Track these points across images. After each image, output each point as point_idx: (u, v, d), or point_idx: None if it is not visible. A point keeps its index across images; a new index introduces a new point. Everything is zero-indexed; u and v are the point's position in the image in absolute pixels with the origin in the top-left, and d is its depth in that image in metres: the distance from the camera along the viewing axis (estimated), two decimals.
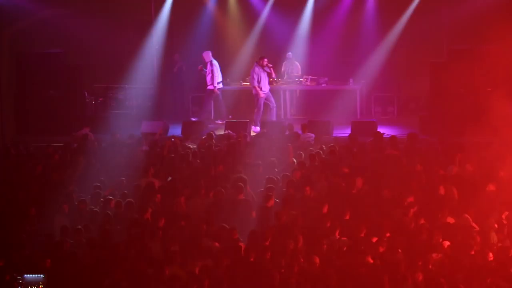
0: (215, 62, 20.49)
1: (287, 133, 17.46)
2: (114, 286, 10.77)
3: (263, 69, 19.69)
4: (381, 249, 11.41)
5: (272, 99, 19.95)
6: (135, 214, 12.83)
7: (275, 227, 12.19)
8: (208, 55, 20.53)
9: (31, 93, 20.33)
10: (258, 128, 19.34)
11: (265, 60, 19.75)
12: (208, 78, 20.46)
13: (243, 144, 16.44)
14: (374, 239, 11.69)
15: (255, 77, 19.67)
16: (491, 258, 11.18)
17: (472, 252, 11.32)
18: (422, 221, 12.21)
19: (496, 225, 12.33)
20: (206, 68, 20.48)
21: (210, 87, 20.47)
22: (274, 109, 19.97)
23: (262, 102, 19.76)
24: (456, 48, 19.61)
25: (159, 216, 12.53)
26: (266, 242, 11.61)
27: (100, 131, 19.07)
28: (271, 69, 19.83)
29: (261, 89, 19.66)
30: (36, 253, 11.61)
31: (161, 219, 12.47)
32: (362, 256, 11.11)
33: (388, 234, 11.76)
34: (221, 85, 20.66)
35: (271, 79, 20.11)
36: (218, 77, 20.54)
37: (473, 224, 12.39)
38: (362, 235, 11.83)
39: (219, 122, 20.37)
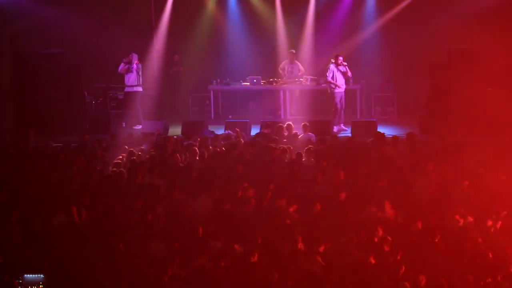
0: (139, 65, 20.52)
1: (286, 133, 17.46)
2: (114, 286, 10.78)
3: (337, 67, 19.47)
4: (386, 248, 11.40)
5: (343, 100, 19.60)
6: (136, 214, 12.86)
7: (270, 227, 12.24)
8: (135, 57, 20.40)
9: (31, 93, 20.32)
10: (336, 128, 19.28)
11: (340, 58, 19.44)
12: (132, 79, 20.31)
13: (243, 144, 16.43)
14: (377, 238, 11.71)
15: (329, 75, 19.45)
16: (491, 259, 11.18)
17: (472, 252, 11.32)
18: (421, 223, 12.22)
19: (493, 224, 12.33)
20: (132, 68, 20.30)
21: (138, 88, 20.36)
22: (342, 111, 19.66)
23: (338, 101, 19.50)
24: (456, 48, 19.63)
25: (160, 216, 12.55)
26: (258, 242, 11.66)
27: (100, 131, 19.11)
28: (346, 67, 19.46)
29: (336, 87, 19.45)
30: (36, 253, 11.61)
31: (162, 219, 12.48)
32: (365, 256, 11.12)
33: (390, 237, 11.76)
34: (140, 88, 20.62)
35: (347, 78, 19.64)
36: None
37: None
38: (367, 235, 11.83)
39: (139, 127, 20.15)
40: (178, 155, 15.48)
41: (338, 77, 19.45)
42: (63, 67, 20.45)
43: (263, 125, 18.41)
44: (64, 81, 20.37)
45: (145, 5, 21.58)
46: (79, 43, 21.20)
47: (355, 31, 21.65)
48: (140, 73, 20.40)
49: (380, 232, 11.89)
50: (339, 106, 19.50)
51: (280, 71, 21.60)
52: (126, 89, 20.50)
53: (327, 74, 19.48)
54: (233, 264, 11.08)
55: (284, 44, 21.87)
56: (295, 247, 11.53)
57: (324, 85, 20.11)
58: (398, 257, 11.12)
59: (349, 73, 19.56)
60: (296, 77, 21.42)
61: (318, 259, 11.10)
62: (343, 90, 19.57)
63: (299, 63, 21.52)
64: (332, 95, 19.53)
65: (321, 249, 11.51)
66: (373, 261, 11.08)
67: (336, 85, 19.42)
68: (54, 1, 20.98)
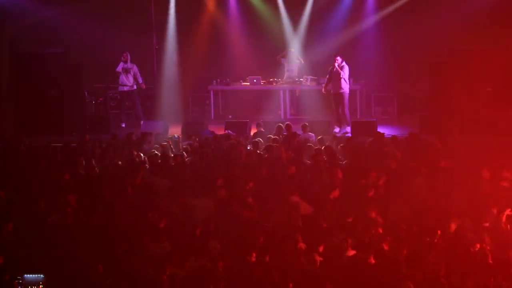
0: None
1: (285, 133, 17.44)
2: (114, 286, 10.78)
3: (333, 68, 19.17)
4: (386, 247, 11.39)
5: (339, 102, 19.24)
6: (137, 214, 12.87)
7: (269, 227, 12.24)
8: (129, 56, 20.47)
9: (31, 93, 20.30)
10: (338, 129, 19.22)
11: (336, 58, 19.08)
12: (130, 77, 20.39)
13: (243, 144, 16.43)
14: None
15: (327, 76, 19.39)
16: (491, 259, 11.18)
17: (473, 252, 11.32)
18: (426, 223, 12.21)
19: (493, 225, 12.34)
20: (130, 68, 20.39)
21: (134, 87, 20.47)
22: (345, 112, 19.28)
23: (333, 103, 19.31)
24: (456, 48, 19.62)
25: (160, 216, 12.56)
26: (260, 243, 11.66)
27: (100, 131, 19.11)
28: (338, 68, 18.97)
29: (329, 88, 19.31)
30: (36, 253, 11.61)
31: (162, 219, 12.49)
32: (364, 256, 11.12)
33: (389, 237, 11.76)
34: (135, 86, 20.68)
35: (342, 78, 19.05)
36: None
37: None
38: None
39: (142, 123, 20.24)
40: (180, 155, 15.51)
41: (333, 78, 19.29)
42: (63, 67, 20.40)
43: (259, 125, 18.34)
44: (64, 81, 20.34)
45: (145, 5, 21.56)
46: (79, 43, 21.20)
47: (355, 31, 21.62)
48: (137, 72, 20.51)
49: (380, 232, 11.90)
50: (334, 107, 19.47)
51: (276, 58, 21.53)
52: (125, 89, 20.52)
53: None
54: (233, 264, 11.09)
55: (283, 44, 21.84)
56: (295, 247, 11.54)
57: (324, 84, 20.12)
58: (398, 257, 11.12)
59: (342, 74, 19.05)
60: (296, 77, 21.40)
61: (317, 258, 11.11)
62: (338, 91, 19.28)
63: (299, 58, 21.40)
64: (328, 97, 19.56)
65: (321, 249, 11.52)
66: (373, 261, 11.09)
67: (328, 87, 19.38)
68: (54, 1, 20.98)
